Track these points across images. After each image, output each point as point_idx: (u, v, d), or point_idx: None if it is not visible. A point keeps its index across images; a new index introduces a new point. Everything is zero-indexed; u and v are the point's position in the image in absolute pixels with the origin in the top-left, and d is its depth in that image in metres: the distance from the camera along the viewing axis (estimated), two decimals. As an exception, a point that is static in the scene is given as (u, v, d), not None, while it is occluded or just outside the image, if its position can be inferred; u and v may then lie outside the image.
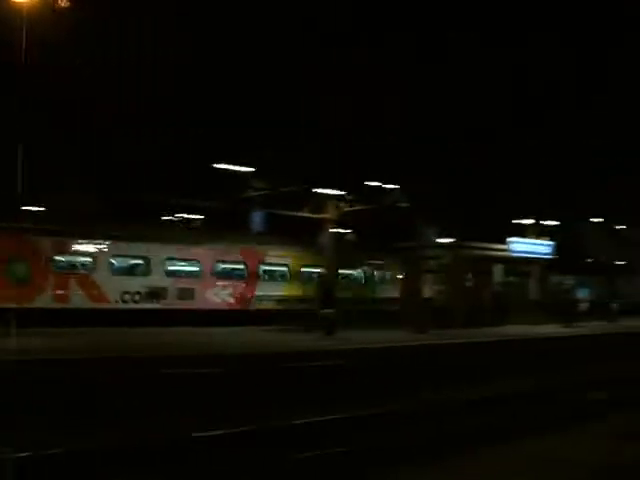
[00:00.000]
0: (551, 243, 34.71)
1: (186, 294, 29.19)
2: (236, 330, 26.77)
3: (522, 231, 35.59)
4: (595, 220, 43.48)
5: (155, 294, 28.27)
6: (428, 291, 32.08)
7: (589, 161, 40.55)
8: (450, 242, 32.95)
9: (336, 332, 25.18)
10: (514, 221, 36.17)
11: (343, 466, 9.87)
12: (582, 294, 40.86)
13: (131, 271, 28.92)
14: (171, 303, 28.72)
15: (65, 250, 27.21)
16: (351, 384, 16.61)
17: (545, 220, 36.87)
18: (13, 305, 21.37)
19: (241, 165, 27.68)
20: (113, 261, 28.28)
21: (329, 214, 30.35)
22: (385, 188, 30.29)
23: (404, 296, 32.61)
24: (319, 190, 29.76)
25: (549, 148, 38.96)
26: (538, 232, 35.28)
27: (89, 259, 27.64)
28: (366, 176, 30.44)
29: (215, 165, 27.75)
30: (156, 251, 28.72)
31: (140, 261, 28.84)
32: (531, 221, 35.43)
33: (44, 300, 25.73)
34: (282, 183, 28.74)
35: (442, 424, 12.66)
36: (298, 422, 12.22)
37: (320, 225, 31.06)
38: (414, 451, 10.62)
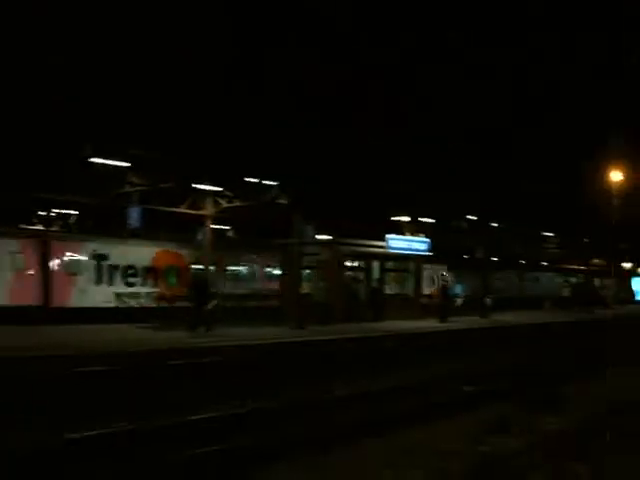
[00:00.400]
0: (427, 240, 35.45)
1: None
2: (111, 328, 26.29)
3: (400, 228, 36.23)
4: (471, 217, 44.59)
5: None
6: (308, 287, 32.31)
7: (462, 162, 41.65)
8: (328, 239, 33.24)
9: (214, 329, 25.05)
10: (393, 218, 36.77)
11: (219, 465, 9.90)
12: (457, 290, 42.02)
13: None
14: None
15: None
16: (225, 381, 16.61)
17: (422, 217, 37.72)
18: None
19: (117, 160, 27.05)
20: None
21: (207, 210, 30.15)
22: (265, 184, 30.24)
23: (283, 292, 32.75)
24: (198, 186, 29.51)
25: (423, 148, 39.82)
26: (415, 229, 36.03)
27: None
28: (246, 172, 30.32)
29: (91, 160, 27.01)
30: None
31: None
32: (408, 218, 36.12)
33: None
34: (160, 179, 28.29)
35: (315, 420, 12.82)
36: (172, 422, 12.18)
37: (200, 222, 30.87)
38: (288, 448, 10.72)
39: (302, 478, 9.58)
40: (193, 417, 12.37)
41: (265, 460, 10.07)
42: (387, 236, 33.53)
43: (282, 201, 29.42)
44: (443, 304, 34.81)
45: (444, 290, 35.95)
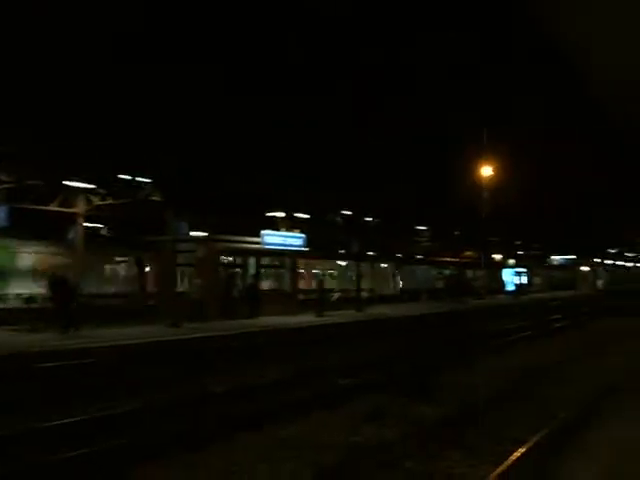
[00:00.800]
0: (302, 235, 35.68)
1: None
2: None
3: (276, 224, 36.31)
4: (346, 213, 45.11)
5: None
6: (184, 285, 32.05)
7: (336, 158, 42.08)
8: (203, 235, 33.00)
9: (81, 329, 24.45)
10: (268, 214, 36.80)
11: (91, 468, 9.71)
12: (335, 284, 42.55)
13: None
14: None
15: None
16: (94, 383, 16.29)
17: (297, 213, 37.94)
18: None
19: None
20: None
21: (79, 208, 29.45)
22: (138, 181, 29.77)
23: (158, 290, 32.38)
24: (69, 183, 28.78)
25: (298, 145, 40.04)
26: (290, 225, 36.17)
27: None
28: (119, 169, 29.75)
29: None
30: None
31: None
32: (282, 214, 36.25)
33: None
34: (28, 176, 27.42)
35: (191, 417, 12.75)
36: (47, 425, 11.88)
37: (72, 220, 30.15)
38: (164, 447, 10.63)
39: (177, 476, 9.53)
40: (60, 421, 12.10)
41: (140, 460, 9.95)
42: (262, 232, 33.57)
43: (156, 198, 29.01)
44: (320, 298, 35.14)
45: (321, 285, 36.30)
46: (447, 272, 60.63)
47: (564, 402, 13.55)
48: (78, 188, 29.09)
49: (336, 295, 43.07)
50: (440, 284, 57.92)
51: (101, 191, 29.68)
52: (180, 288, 31.25)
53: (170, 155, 30.88)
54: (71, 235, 30.47)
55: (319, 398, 14.39)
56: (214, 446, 10.90)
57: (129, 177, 29.46)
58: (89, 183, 29.06)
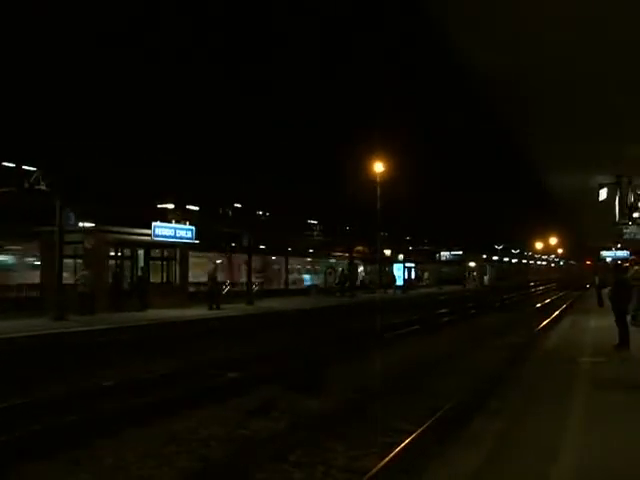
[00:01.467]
0: (192, 227, 35.36)
1: None
2: None
3: (166, 215, 35.86)
4: (237, 205, 45.00)
5: None
6: (71, 277, 31.30)
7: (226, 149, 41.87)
8: (91, 226, 32.32)
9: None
10: (159, 205, 36.33)
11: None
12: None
13: None
14: None
15: None
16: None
17: (187, 205, 37.65)
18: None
19: None
20: None
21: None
22: (24, 170, 28.87)
23: (44, 282, 31.57)
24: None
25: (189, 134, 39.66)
26: (180, 217, 35.77)
27: None
28: (3, 156, 28.81)
29: None
30: None
31: None
32: (172, 206, 35.84)
33: None
34: None
35: (74, 413, 12.47)
36: None
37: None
38: (47, 444, 10.38)
39: (62, 473, 9.33)
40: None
41: (23, 458, 9.70)
42: (153, 223, 33.10)
43: (42, 187, 28.15)
44: (211, 292, 34.99)
45: (213, 278, 36.12)
46: (339, 267, 61.17)
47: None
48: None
49: (226, 288, 42.91)
50: (330, 278, 58.44)
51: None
52: (70, 280, 30.46)
53: (58, 142, 30.02)
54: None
55: (206, 392, 14.33)
56: (99, 442, 10.73)
57: (13, 165, 28.53)
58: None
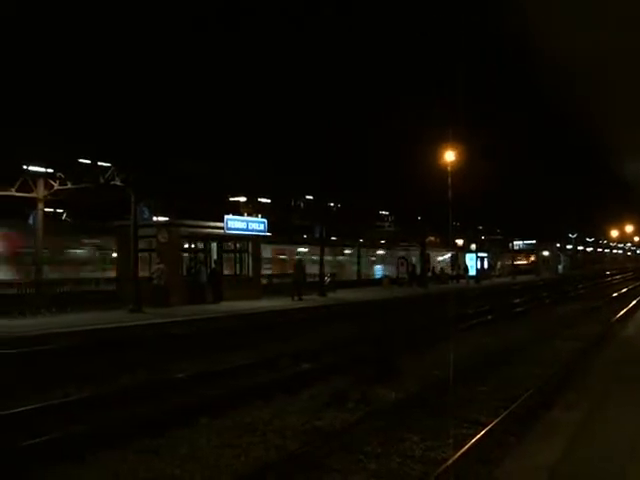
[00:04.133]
0: (264, 220, 35.61)
1: None
2: None
3: (238, 209, 36.19)
4: (309, 197, 45.06)
5: None
6: (147, 270, 31.80)
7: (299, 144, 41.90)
8: (165, 220, 32.80)
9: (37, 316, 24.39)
10: (231, 199, 36.68)
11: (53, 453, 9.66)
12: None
13: None
14: None
15: None
16: (54, 369, 16.14)
17: (260, 198, 37.92)
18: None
19: None
20: None
21: (38, 193, 29.11)
22: (100, 166, 29.43)
23: (120, 276, 32.14)
24: (28, 168, 28.46)
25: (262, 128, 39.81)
26: (252, 210, 36.08)
27: None
28: (80, 153, 29.37)
29: None
30: None
31: None
32: (244, 199, 36.15)
33: None
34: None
35: (154, 403, 12.72)
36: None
37: (33, 205, 29.82)
38: (123, 433, 10.60)
39: (136, 462, 9.50)
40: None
41: (99, 446, 9.92)
42: (225, 217, 33.44)
43: (117, 182, 28.68)
44: (297, 282, 35.51)
45: (300, 269, 36.45)
46: (412, 258, 60.79)
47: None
48: (37, 172, 28.76)
49: (328, 279, 42.84)
50: (403, 269, 58.13)
51: (61, 175, 29.30)
52: (145, 273, 30.95)
53: (132, 139, 30.49)
54: (31, 220, 30.14)
55: (281, 382, 14.48)
56: (174, 431, 10.91)
57: (89, 161, 29.11)
58: (48, 167, 28.74)
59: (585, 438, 8.73)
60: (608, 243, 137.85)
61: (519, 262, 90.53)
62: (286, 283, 38.28)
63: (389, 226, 54.81)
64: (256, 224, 35.15)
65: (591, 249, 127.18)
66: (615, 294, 47.92)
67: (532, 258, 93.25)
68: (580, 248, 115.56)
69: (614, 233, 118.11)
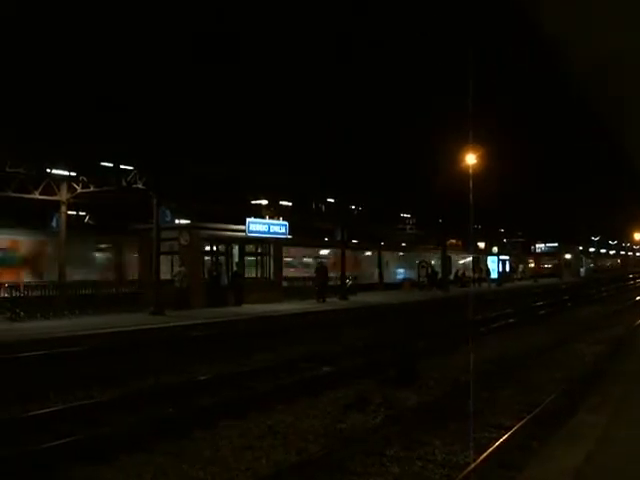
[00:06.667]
0: (285, 223, 35.67)
1: None
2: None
3: (260, 211, 36.24)
4: (330, 200, 45.02)
5: None
6: (169, 273, 31.91)
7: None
8: (186, 223, 32.92)
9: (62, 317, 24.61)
10: (252, 202, 36.72)
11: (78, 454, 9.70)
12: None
13: None
14: None
15: None
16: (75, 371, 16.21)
17: (281, 200, 37.93)
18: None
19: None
20: None
21: (61, 196, 29.29)
22: (121, 169, 29.56)
23: (142, 278, 32.27)
24: (51, 171, 28.64)
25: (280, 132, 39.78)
26: (274, 213, 36.14)
27: None
28: (101, 156, 29.49)
29: None
30: None
31: None
32: (265, 202, 36.20)
33: None
34: (11, 164, 27.11)
35: (175, 405, 12.75)
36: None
37: (55, 208, 30.01)
38: (148, 435, 10.63)
39: (160, 463, 9.52)
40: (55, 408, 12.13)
41: (124, 448, 9.94)
42: (247, 219, 33.52)
43: (139, 185, 28.81)
44: (321, 285, 35.64)
45: (323, 272, 36.59)
46: (432, 261, 60.52)
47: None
48: (60, 175, 28.95)
49: (349, 282, 42.84)
50: (423, 272, 57.87)
51: (84, 178, 29.48)
52: (167, 276, 31.07)
53: (154, 142, 30.58)
54: (54, 223, 30.34)
55: (303, 385, 14.46)
56: (198, 434, 10.93)
57: (111, 164, 29.24)
58: (71, 171, 28.91)
59: (610, 441, 8.62)
60: (632, 246, 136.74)
61: (541, 265, 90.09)
62: (307, 286, 38.34)
63: (410, 229, 54.71)
64: (277, 227, 35.22)
65: (614, 252, 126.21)
66: (638, 297, 47.58)
67: (555, 261, 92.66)
68: (603, 251, 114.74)
69: (638, 236, 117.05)
